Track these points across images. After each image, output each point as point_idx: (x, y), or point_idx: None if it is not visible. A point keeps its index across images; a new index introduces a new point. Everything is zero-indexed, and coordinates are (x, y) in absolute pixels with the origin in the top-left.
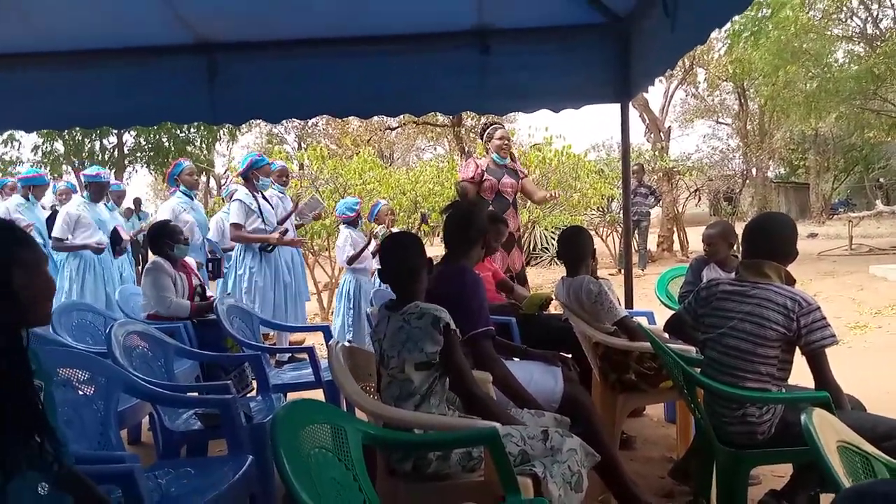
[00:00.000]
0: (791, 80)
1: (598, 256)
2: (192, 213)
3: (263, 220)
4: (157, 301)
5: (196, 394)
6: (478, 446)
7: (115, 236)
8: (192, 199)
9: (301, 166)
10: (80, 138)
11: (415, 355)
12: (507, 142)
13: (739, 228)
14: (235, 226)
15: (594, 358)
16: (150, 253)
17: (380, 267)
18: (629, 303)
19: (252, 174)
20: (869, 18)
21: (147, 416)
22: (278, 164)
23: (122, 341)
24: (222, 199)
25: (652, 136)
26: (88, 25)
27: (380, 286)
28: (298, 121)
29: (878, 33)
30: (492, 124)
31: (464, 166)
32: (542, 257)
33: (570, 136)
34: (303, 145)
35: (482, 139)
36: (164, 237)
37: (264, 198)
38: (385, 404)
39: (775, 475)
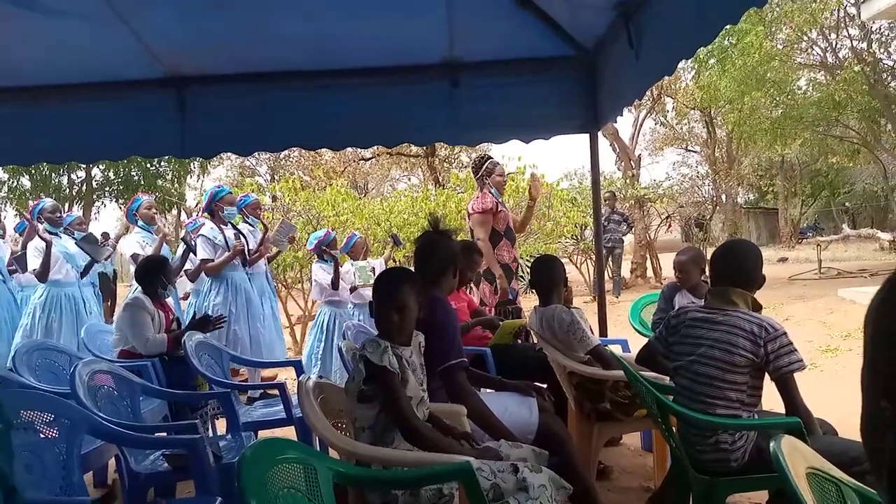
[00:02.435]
0: (756, 107)
1: (573, 284)
2: (152, 247)
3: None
4: (135, 339)
5: (164, 434)
6: (452, 482)
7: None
8: (151, 233)
9: (274, 198)
10: (48, 173)
11: (356, 387)
12: (505, 178)
13: (711, 254)
14: (204, 262)
15: (569, 387)
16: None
17: (371, 300)
18: (603, 330)
19: (216, 206)
20: (828, 48)
21: (114, 458)
22: (252, 197)
23: (86, 381)
24: (187, 232)
25: (622, 164)
26: (56, 60)
27: (359, 319)
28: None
29: (837, 62)
30: (488, 158)
31: (479, 198)
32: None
33: (543, 166)
34: (275, 177)
35: (477, 173)
36: (158, 273)
37: (234, 228)
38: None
39: (752, 502)
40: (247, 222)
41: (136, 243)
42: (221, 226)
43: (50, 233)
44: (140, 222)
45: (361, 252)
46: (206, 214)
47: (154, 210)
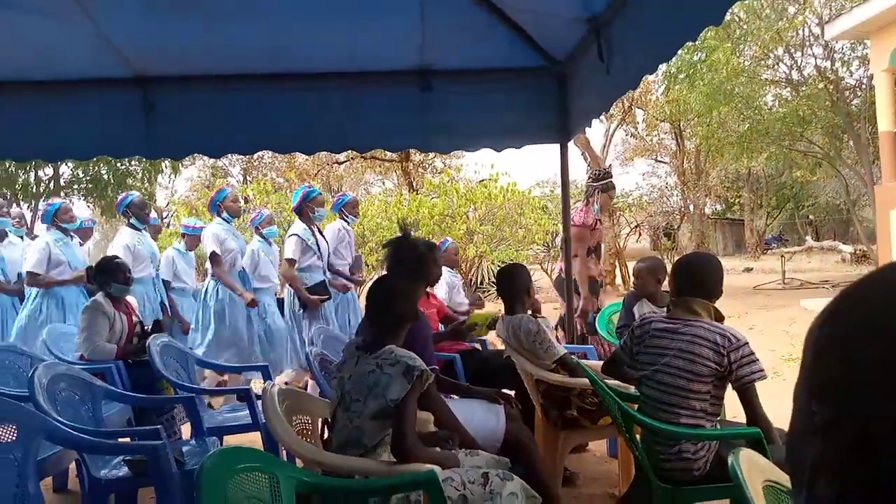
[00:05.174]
0: (724, 121)
1: (543, 291)
2: (234, 240)
3: (320, 257)
4: (82, 342)
5: (127, 439)
6: (416, 491)
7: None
8: (232, 226)
9: (246, 200)
10: (14, 170)
11: (378, 401)
12: (613, 199)
13: (672, 265)
14: (290, 262)
15: (536, 395)
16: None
17: (367, 304)
18: (571, 337)
19: (306, 206)
20: (793, 65)
21: (74, 462)
22: (349, 195)
23: (45, 384)
24: (182, 234)
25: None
26: (17, 55)
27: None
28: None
29: (801, 79)
30: (609, 175)
31: (582, 211)
32: (489, 291)
33: (516, 173)
34: (248, 178)
35: (595, 182)
36: (104, 274)
37: (320, 232)
38: (324, 449)
39: None
40: (345, 220)
41: (214, 236)
42: (312, 227)
43: (66, 232)
44: (224, 214)
45: (453, 260)
46: (295, 214)
47: (239, 202)
